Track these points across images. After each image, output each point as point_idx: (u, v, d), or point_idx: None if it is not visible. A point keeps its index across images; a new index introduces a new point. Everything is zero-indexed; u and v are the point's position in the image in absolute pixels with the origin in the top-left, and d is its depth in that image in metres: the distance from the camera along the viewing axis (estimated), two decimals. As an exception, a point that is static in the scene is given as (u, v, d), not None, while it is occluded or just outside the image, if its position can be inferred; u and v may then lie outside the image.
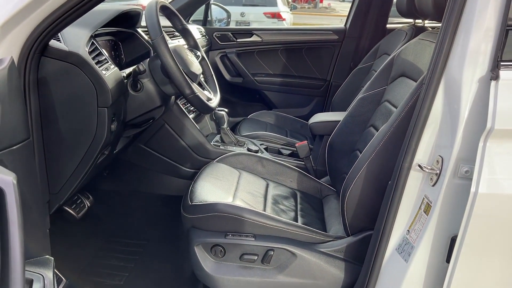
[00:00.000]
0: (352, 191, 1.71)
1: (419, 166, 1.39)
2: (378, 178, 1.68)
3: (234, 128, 3.00)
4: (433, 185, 1.37)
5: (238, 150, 2.43)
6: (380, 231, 1.50)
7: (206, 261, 1.77)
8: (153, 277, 2.14)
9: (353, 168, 1.79)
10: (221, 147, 2.43)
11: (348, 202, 1.73)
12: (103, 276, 2.11)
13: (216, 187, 1.94)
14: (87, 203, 2.41)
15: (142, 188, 2.43)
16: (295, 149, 2.51)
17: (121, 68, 1.96)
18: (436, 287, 1.36)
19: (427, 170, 1.37)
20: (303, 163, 2.46)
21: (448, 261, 1.35)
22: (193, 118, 2.40)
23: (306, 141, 2.39)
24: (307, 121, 2.61)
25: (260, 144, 2.61)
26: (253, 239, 1.74)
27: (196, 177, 2.05)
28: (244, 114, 3.30)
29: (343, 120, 2.22)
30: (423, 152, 1.41)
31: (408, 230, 1.44)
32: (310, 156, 2.44)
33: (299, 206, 2.08)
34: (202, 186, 1.93)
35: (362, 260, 1.66)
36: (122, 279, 2.11)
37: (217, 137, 2.54)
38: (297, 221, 1.91)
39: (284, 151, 2.63)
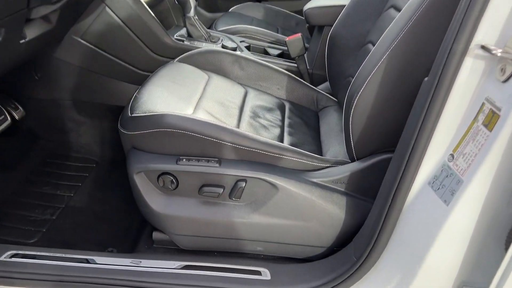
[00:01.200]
0: (361, 100, 1.16)
1: (483, 47, 0.82)
2: (402, 78, 1.12)
3: (210, 26, 2.37)
4: (504, 81, 0.81)
5: (208, 46, 1.84)
6: (406, 154, 0.97)
7: (151, 195, 1.26)
8: (96, 210, 1.65)
9: (362, 67, 1.22)
10: (185, 42, 1.83)
11: (355, 115, 1.18)
12: (32, 209, 1.62)
13: (171, 94, 1.37)
14: (15, 115, 1.86)
15: (85, 96, 1.87)
16: (286, 48, 1.92)
17: None
18: (496, 250, 0.85)
19: (498, 53, 0.80)
20: (295, 65, 1.88)
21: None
22: (148, 3, 1.77)
23: (299, 34, 1.79)
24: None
25: (241, 42, 2.01)
26: (217, 165, 1.21)
27: (145, 81, 1.48)
28: (227, 9, 2.65)
29: (350, 2, 1.60)
30: (489, 27, 0.83)
31: (452, 155, 0.91)
32: (305, 56, 1.85)
33: (286, 121, 1.53)
34: (151, 92, 1.37)
35: (372, 195, 1.15)
36: (55, 212, 1.62)
37: (182, 31, 1.93)
38: (282, 141, 1.38)
39: (271, 51, 2.04)
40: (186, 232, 1.28)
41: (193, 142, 1.22)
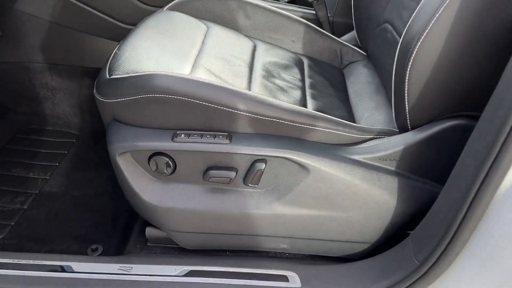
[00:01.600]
0: (424, 49, 0.85)
1: None
2: (484, 14, 0.80)
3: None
4: None
5: (206, -10, 1.49)
6: (505, 122, 0.67)
7: (140, 182, 0.96)
8: (76, 196, 1.35)
9: (421, 7, 0.90)
10: (177, -15, 1.48)
11: (413, 71, 0.88)
12: (-2, 197, 1.32)
13: (161, 49, 1.05)
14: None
15: (58, 58, 1.55)
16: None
17: None
18: None
19: None
20: (313, 11, 1.55)
21: None
22: None
23: (318, -28, 1.45)
24: None
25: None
26: (227, 141, 0.91)
27: (128, 35, 1.15)
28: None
29: None
30: None
31: None
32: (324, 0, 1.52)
33: (307, 81, 1.22)
34: (135, 48, 1.05)
35: (433, 176, 0.86)
36: (26, 200, 1.32)
37: (173, -27, 1.58)
38: (306, 106, 1.07)
39: (282, -4, 1.69)
40: (189, 228, 1.00)
41: (194, 111, 0.91)
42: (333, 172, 0.91)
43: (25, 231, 1.22)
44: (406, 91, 0.88)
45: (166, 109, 0.92)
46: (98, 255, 1.15)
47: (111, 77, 0.97)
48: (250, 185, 0.93)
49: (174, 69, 0.97)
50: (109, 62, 1.04)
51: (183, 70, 0.99)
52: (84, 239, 1.20)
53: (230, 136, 0.92)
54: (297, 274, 0.93)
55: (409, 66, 0.86)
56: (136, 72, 0.94)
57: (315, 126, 0.94)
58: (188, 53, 1.09)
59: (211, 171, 0.92)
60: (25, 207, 1.31)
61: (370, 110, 1.13)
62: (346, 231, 0.97)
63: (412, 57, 0.85)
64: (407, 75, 0.87)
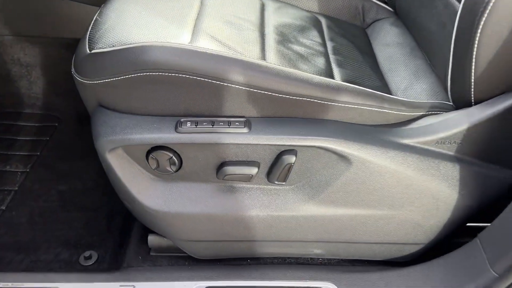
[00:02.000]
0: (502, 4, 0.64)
1: None
2: None
3: None
4: None
5: None
6: None
7: (138, 183, 0.78)
8: (63, 191, 1.16)
9: None
10: None
11: (486, 33, 0.67)
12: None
13: (151, 13, 0.84)
14: None
15: (30, 29, 1.32)
16: None
17: None
18: None
19: None
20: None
21: None
22: None
23: None
24: None
25: None
26: (246, 129, 0.72)
27: None
28: None
29: None
30: None
31: None
32: None
33: (329, 45, 1.01)
34: (120, 13, 0.83)
35: (507, 162, 0.68)
36: (4, 199, 1.13)
37: None
38: (332, 77, 0.87)
39: None
40: (200, 237, 0.81)
41: (201, 91, 0.71)
42: (381, 162, 0.72)
43: (4, 238, 1.04)
44: (474, 56, 0.69)
45: (165, 90, 0.71)
46: (92, 263, 0.97)
47: (92, 51, 0.76)
48: (276, 182, 0.75)
49: (170, 37, 0.76)
50: (88, 32, 0.82)
51: (181, 38, 0.78)
52: (75, 244, 1.02)
53: (249, 122, 0.72)
54: (336, 286, 0.76)
55: (481, 25, 0.66)
56: (124, 44, 0.73)
57: (355, 104, 0.74)
58: (185, 16, 0.87)
59: (227, 167, 0.73)
60: (3, 207, 1.11)
61: (407, 79, 0.94)
62: (395, 232, 0.79)
63: (486, 12, 0.65)
64: (477, 36, 0.67)
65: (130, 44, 0.72)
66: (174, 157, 0.73)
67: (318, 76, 0.75)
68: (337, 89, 0.74)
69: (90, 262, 0.98)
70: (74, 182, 1.19)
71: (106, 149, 0.73)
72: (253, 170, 0.73)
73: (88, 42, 0.79)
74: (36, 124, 1.37)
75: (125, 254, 0.93)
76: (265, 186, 0.77)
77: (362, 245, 0.83)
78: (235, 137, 0.71)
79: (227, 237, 0.81)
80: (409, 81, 0.93)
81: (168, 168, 0.75)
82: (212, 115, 0.74)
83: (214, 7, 0.94)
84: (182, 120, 0.73)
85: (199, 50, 0.71)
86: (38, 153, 1.27)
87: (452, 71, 0.76)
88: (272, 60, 0.85)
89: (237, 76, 0.70)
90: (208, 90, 0.71)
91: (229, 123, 0.72)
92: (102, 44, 0.76)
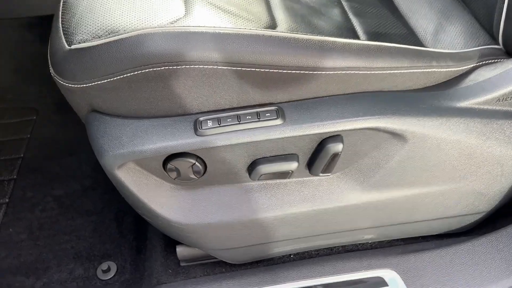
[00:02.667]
0: None
1: None
2: None
3: None
4: None
5: None
6: None
7: (157, 196, 0.66)
8: (58, 196, 1.04)
9: None
10: None
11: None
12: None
13: None
14: None
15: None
16: None
17: None
18: None
19: None
20: None
21: None
22: None
23: None
24: None
25: None
26: (280, 120, 0.60)
27: None
28: None
29: None
30: None
31: None
32: None
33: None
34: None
35: None
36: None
37: None
38: (354, 31, 0.74)
39: None
40: (236, 244, 0.71)
41: (218, 82, 0.58)
42: (441, 135, 0.62)
43: (7, 261, 0.93)
44: None
45: (174, 86, 0.58)
46: (113, 276, 0.88)
47: (73, 46, 0.60)
48: (320, 174, 0.64)
49: (162, 16, 0.61)
50: (60, 19, 0.67)
51: (173, 11, 0.64)
52: (88, 256, 0.92)
53: (281, 110, 0.60)
54: (395, 271, 0.68)
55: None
56: (113, 34, 0.59)
57: (401, 67, 0.62)
58: None
59: (261, 166, 0.62)
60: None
61: (434, 20, 0.81)
62: (456, 205, 0.71)
63: None
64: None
65: (122, 33, 0.58)
66: (197, 163, 0.61)
67: (356, 41, 0.62)
68: (379, 51, 0.62)
69: (110, 275, 0.88)
70: (70, 183, 1.06)
71: (114, 166, 0.61)
72: (293, 165, 0.62)
73: (64, 33, 0.63)
74: (10, 121, 1.21)
75: (145, 257, 0.83)
76: (305, 178, 0.66)
77: (418, 223, 0.74)
78: (268, 131, 0.59)
79: (267, 239, 0.71)
80: (437, 22, 0.80)
81: (191, 176, 0.63)
82: (234, 107, 0.61)
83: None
84: (201, 119, 0.60)
85: (209, 31, 0.57)
86: (22, 155, 1.13)
87: (509, 6, 0.64)
88: (282, 18, 0.72)
89: (261, 57, 0.57)
90: (227, 79, 0.58)
91: (258, 115, 0.59)
92: (83, 35, 0.61)
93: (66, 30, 0.64)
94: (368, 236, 0.76)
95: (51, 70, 0.65)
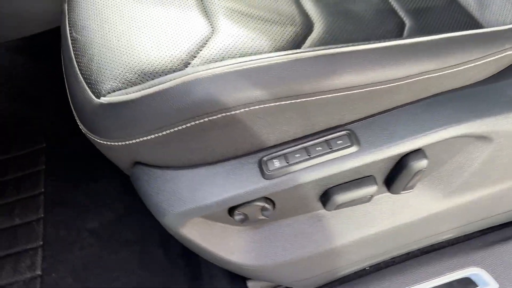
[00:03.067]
0: None
1: None
2: None
3: None
4: None
5: None
6: None
7: (224, 243, 0.60)
8: (93, 229, 0.99)
9: None
10: None
11: None
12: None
13: (136, 7, 0.59)
14: None
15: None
16: None
17: None
18: None
19: None
20: None
21: None
22: None
23: None
24: None
25: None
26: (355, 147, 0.53)
27: None
28: None
29: None
30: None
31: None
32: None
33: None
34: (98, 19, 0.58)
35: None
36: (33, 264, 0.95)
37: None
38: (399, 18, 0.66)
39: None
40: (315, 272, 0.67)
41: (282, 116, 0.51)
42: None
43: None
44: None
45: (234, 131, 0.51)
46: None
47: (103, 100, 0.52)
48: (402, 192, 0.58)
49: (185, 35, 0.54)
50: (74, 61, 0.58)
51: (198, 30, 0.56)
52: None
53: (353, 134, 0.53)
54: (482, 268, 0.64)
55: None
56: (147, 76, 0.51)
57: (473, 60, 0.55)
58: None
59: (337, 196, 0.56)
60: (38, 272, 0.94)
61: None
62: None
63: None
64: None
65: (164, 81, 0.50)
66: (266, 205, 0.55)
67: (421, 38, 0.55)
68: (449, 46, 0.54)
69: (172, 310, 0.84)
70: (102, 213, 1.00)
71: (178, 226, 0.55)
72: (372, 189, 0.56)
73: (86, 82, 0.55)
74: (20, 153, 1.13)
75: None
76: (382, 195, 0.61)
77: (499, 216, 0.70)
78: (343, 161, 0.53)
79: (345, 263, 0.66)
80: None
81: (260, 217, 0.57)
82: (298, 137, 0.54)
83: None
84: (265, 159, 0.53)
85: (263, 64, 0.49)
86: (43, 190, 1.06)
87: None
88: (317, 14, 0.64)
89: (324, 83, 0.49)
90: (290, 113, 0.51)
91: (329, 145, 0.53)
92: (110, 82, 0.53)
93: (88, 78, 0.56)
94: (446, 236, 0.72)
95: (80, 126, 0.58)
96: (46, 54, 1.17)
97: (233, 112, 0.48)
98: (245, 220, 0.57)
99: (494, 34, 0.58)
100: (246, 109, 0.48)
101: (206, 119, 0.49)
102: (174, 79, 0.49)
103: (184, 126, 0.49)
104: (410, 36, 0.64)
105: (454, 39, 0.56)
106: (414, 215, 0.61)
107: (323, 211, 0.61)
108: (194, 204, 0.53)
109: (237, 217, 0.56)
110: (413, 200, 0.61)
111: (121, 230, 0.97)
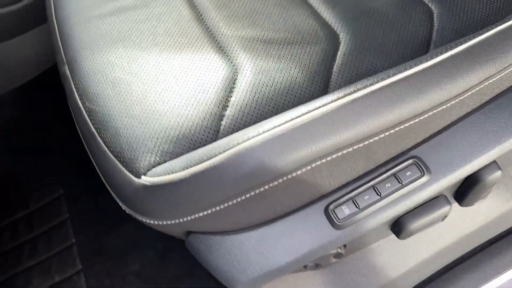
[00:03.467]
0: None
1: None
2: None
3: None
4: None
5: None
6: None
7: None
8: (136, 270, 0.96)
9: None
10: None
11: None
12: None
13: (158, 50, 0.54)
14: None
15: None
16: None
17: None
18: None
19: None
20: None
21: None
22: None
23: None
24: None
25: None
26: (427, 177, 0.49)
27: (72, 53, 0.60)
28: None
29: None
30: None
31: None
32: None
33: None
34: (115, 85, 0.53)
35: None
36: None
37: None
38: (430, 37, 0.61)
39: None
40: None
41: (339, 166, 0.46)
42: None
43: None
44: None
45: (295, 191, 0.47)
46: None
47: (145, 180, 0.48)
48: (475, 204, 0.54)
49: (210, 82, 0.49)
50: (98, 138, 0.53)
51: (220, 73, 0.51)
52: None
53: (420, 161, 0.49)
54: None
55: None
56: (187, 142, 0.46)
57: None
58: (193, 34, 0.58)
59: (412, 224, 0.52)
60: None
61: None
62: None
63: None
64: None
65: (212, 154, 0.45)
66: (339, 250, 0.52)
67: (474, 40, 0.49)
68: (502, 41, 0.49)
69: None
70: (143, 253, 0.97)
71: (252, 291, 0.51)
72: (446, 209, 0.52)
73: (119, 161, 0.50)
74: (40, 204, 1.09)
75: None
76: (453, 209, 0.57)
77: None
78: (416, 193, 0.49)
79: (422, 277, 0.63)
80: None
81: (333, 261, 0.54)
82: (361, 175, 0.50)
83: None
84: (332, 207, 0.49)
85: (315, 116, 0.44)
86: (73, 240, 1.02)
87: None
88: (344, 22, 0.60)
89: (384, 120, 0.45)
90: (352, 157, 0.46)
91: (398, 179, 0.48)
92: (148, 157, 0.48)
93: (120, 156, 0.51)
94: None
95: (121, 205, 0.53)
96: (38, 103, 1.11)
97: (294, 174, 0.44)
98: (317, 267, 0.54)
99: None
100: (308, 167, 0.44)
101: (266, 187, 0.44)
102: (225, 150, 0.44)
103: (243, 198, 0.45)
104: (441, 22, 0.59)
105: (505, 31, 0.50)
106: (486, 218, 0.58)
107: (392, 236, 0.57)
108: (267, 268, 0.49)
109: (310, 267, 0.53)
110: (484, 205, 0.58)
111: (168, 266, 0.94)
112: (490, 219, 0.59)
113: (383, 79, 0.45)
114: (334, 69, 0.56)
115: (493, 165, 0.50)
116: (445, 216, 0.54)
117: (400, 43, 0.59)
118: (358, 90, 0.45)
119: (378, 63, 0.57)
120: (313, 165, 0.44)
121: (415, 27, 0.60)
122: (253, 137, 0.44)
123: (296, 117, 0.44)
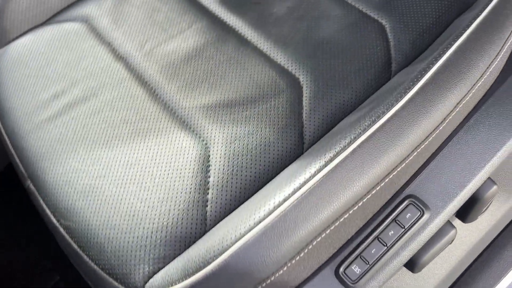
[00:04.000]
0: None
1: None
2: None
3: None
4: None
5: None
6: None
7: None
8: None
9: None
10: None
11: None
12: None
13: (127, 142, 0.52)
14: None
15: None
16: None
17: None
18: None
19: None
20: None
21: None
22: None
23: None
24: None
25: None
26: (427, 215, 0.48)
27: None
28: None
29: None
30: None
31: None
32: None
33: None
34: (99, 170, 0.50)
35: None
36: None
37: None
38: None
39: None
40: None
41: (341, 230, 0.45)
42: None
43: None
44: None
45: (307, 263, 0.45)
46: None
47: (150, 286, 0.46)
48: (478, 218, 0.54)
49: (181, 166, 0.48)
50: (80, 253, 0.51)
51: (190, 153, 0.49)
52: None
53: (417, 200, 0.48)
54: None
55: None
56: (178, 242, 0.45)
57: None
58: (152, 116, 0.56)
59: (423, 258, 0.51)
60: None
61: None
62: None
63: None
64: None
65: (205, 263, 0.42)
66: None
67: (438, 64, 0.48)
68: (466, 49, 0.48)
69: None
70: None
71: None
72: (452, 233, 0.51)
73: (114, 278, 0.48)
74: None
75: None
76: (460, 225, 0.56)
77: None
78: (421, 231, 0.47)
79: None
80: None
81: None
82: (361, 228, 0.48)
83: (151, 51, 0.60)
84: (342, 269, 0.47)
85: (306, 187, 0.42)
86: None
87: None
88: (303, 70, 0.58)
89: (380, 171, 0.43)
90: (354, 216, 0.44)
91: (400, 223, 0.47)
92: (142, 269, 0.46)
93: (113, 274, 0.49)
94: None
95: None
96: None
97: (297, 258, 0.42)
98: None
99: (495, 11, 0.52)
100: (314, 242, 0.42)
101: (272, 278, 0.42)
102: (220, 254, 0.41)
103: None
104: (396, 37, 0.58)
105: (462, 46, 0.49)
106: (489, 224, 0.58)
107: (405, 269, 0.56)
108: None
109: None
110: (487, 212, 0.57)
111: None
112: (494, 222, 0.58)
113: (359, 134, 0.43)
114: (304, 117, 0.54)
115: (488, 181, 0.49)
116: (453, 240, 0.53)
117: (362, 71, 0.57)
118: (338, 154, 0.43)
119: (345, 97, 0.56)
120: (314, 242, 0.42)
121: (372, 49, 0.59)
122: (245, 233, 0.41)
123: (284, 200, 0.41)
